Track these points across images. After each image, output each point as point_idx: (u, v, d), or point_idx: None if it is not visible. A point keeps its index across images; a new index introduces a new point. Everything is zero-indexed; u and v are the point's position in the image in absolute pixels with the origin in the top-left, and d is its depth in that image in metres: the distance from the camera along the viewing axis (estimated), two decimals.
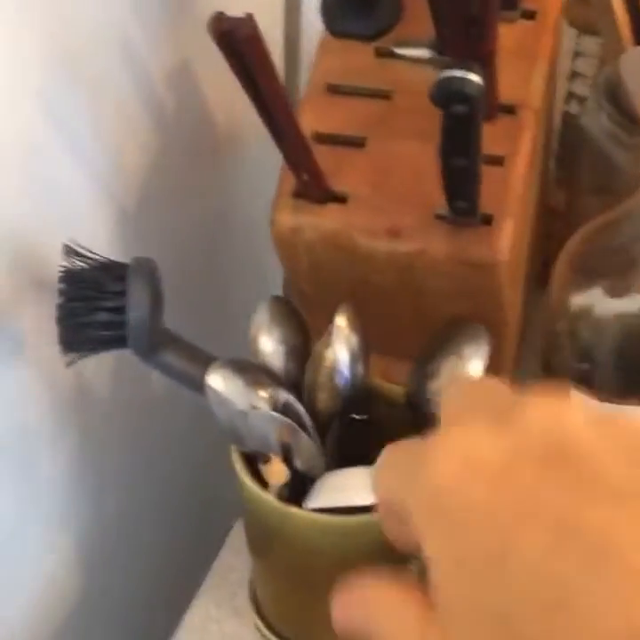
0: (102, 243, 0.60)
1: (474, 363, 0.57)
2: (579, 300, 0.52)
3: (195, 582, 0.68)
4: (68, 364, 0.55)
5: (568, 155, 0.76)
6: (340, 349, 0.57)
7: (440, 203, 0.56)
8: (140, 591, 0.74)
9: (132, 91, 0.65)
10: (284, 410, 0.56)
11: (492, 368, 0.58)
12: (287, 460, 0.56)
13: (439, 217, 0.57)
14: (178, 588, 0.69)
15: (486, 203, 0.57)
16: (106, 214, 0.63)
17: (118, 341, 0.54)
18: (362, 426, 0.59)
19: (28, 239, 0.58)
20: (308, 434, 0.56)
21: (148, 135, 0.67)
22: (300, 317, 0.60)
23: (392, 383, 0.60)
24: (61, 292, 0.53)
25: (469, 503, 0.28)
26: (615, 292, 0.51)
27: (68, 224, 0.59)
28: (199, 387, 0.55)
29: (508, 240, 0.56)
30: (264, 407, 0.55)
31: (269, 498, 0.56)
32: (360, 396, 0.58)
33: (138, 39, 0.64)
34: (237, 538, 0.67)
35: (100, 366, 0.65)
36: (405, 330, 0.63)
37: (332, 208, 0.59)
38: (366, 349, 0.58)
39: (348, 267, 0.60)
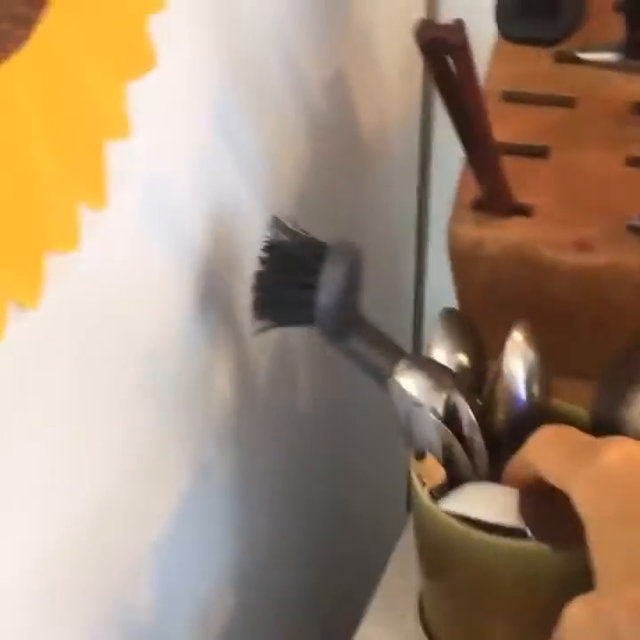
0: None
1: None
2: None
3: (358, 605, 0.66)
4: (256, 333, 0.55)
5: None
6: (516, 366, 0.54)
7: (631, 213, 0.54)
8: (298, 616, 0.72)
9: (290, 98, 0.64)
10: (455, 415, 0.54)
11: None
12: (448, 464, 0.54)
13: (632, 228, 0.54)
14: (339, 612, 0.67)
15: None
16: (259, 215, 0.62)
17: (307, 319, 0.54)
18: None
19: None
20: (466, 445, 0.54)
21: (303, 142, 0.66)
22: (476, 332, 0.58)
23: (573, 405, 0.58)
24: (262, 261, 0.54)
25: (633, 482, 0.40)
26: None
27: (225, 224, 0.59)
28: (383, 378, 0.54)
29: None
30: (438, 409, 0.53)
31: (448, 518, 0.53)
32: (535, 416, 0.55)
33: (296, 48, 0.64)
34: (402, 557, 0.65)
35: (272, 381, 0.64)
36: (584, 348, 0.61)
37: (517, 221, 0.56)
38: (546, 369, 0.55)
39: (530, 282, 0.57)
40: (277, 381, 0.69)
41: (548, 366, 0.55)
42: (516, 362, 0.55)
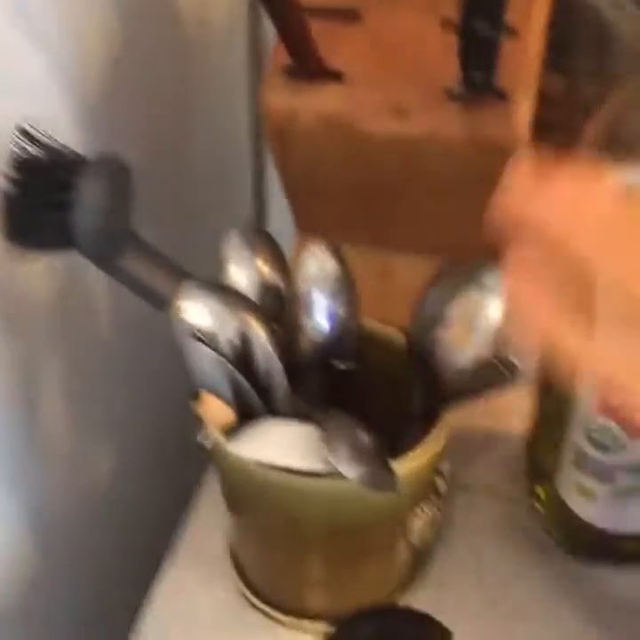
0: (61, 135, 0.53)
1: (491, 293, 0.48)
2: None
3: (166, 545, 0.59)
4: (14, 259, 0.47)
5: (564, 35, 0.72)
6: (316, 283, 0.49)
7: (449, 78, 0.51)
8: (105, 558, 0.67)
9: None
10: (248, 346, 0.47)
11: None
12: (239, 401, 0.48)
13: (449, 93, 0.52)
14: (148, 554, 0.59)
15: (499, 77, 0.52)
16: (66, 103, 0.54)
17: (67, 241, 0.46)
18: (349, 375, 0.51)
19: None
20: (259, 379, 0.48)
21: (112, 21, 0.61)
22: (278, 248, 0.52)
23: (389, 326, 0.53)
24: (10, 179, 0.46)
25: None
26: None
27: (22, 111, 0.52)
28: (162, 304, 0.47)
29: (524, 115, 0.52)
30: (226, 340, 0.47)
31: (246, 460, 0.46)
32: (343, 338, 0.50)
33: None
34: (212, 495, 0.58)
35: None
36: (409, 222, 0.59)
37: (330, 88, 0.52)
38: (351, 285, 0.50)
39: (349, 154, 0.53)
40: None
41: (353, 282, 0.50)
42: (316, 279, 0.49)
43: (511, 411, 0.64)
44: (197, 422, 0.46)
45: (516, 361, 0.44)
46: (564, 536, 0.57)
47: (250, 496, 0.50)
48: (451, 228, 0.57)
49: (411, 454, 0.47)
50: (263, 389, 0.48)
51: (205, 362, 0.46)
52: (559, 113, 0.63)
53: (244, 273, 0.51)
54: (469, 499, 0.60)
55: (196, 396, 0.44)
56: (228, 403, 0.46)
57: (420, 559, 0.56)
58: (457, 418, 0.65)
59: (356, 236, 0.59)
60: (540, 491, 0.58)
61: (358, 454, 0.44)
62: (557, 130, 0.55)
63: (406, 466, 0.46)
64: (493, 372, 0.45)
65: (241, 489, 0.50)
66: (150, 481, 0.70)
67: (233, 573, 0.56)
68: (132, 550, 0.65)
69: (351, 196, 0.56)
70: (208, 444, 0.46)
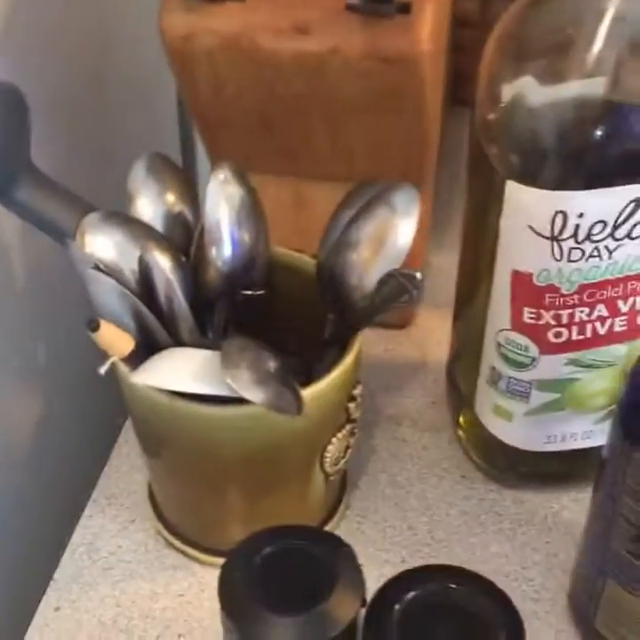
0: None
1: (405, 215, 0.47)
2: (510, 89, 0.47)
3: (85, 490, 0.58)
4: None
5: None
6: (220, 211, 0.47)
7: None
8: (27, 505, 0.65)
9: None
10: (150, 275, 0.46)
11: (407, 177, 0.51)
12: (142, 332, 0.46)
13: (350, 7, 0.50)
14: (70, 501, 0.59)
15: None
16: None
17: None
18: (260, 303, 0.50)
19: None
20: (163, 309, 0.46)
21: None
22: (186, 178, 0.51)
23: (298, 251, 0.52)
24: None
25: None
26: (548, 79, 0.46)
27: None
28: (62, 236, 0.46)
29: (429, 28, 0.50)
30: (128, 269, 0.45)
31: (150, 390, 0.45)
32: (249, 267, 0.48)
33: None
34: (131, 439, 0.57)
35: None
36: (320, 149, 0.57)
37: (229, 6, 0.49)
38: (257, 211, 0.48)
39: (254, 77, 0.52)
40: None
41: (261, 208, 0.48)
42: (220, 207, 0.47)
43: (435, 342, 0.63)
44: (101, 353, 0.45)
45: (416, 273, 0.43)
46: (484, 460, 0.56)
47: (159, 429, 0.48)
48: (362, 154, 0.56)
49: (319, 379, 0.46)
50: (168, 322, 0.47)
51: (108, 294, 0.45)
52: (473, 34, 0.62)
53: (151, 206, 0.50)
54: (393, 429, 0.60)
55: (95, 325, 0.43)
56: (131, 335, 0.45)
57: (341, 489, 0.55)
58: (381, 349, 0.65)
59: (269, 166, 0.58)
60: (460, 418, 0.57)
61: (261, 377, 0.43)
62: (471, 51, 0.54)
63: (314, 390, 0.45)
64: (396, 287, 0.44)
65: (150, 423, 0.49)
66: (76, 430, 0.69)
67: (151, 515, 0.55)
68: (56, 497, 0.64)
69: (259, 122, 0.55)
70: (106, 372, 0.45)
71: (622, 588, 0.44)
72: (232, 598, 0.36)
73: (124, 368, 0.45)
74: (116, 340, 0.44)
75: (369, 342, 0.64)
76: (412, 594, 0.36)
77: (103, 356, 0.44)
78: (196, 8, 0.50)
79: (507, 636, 0.34)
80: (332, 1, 0.49)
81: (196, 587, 0.52)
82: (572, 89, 0.44)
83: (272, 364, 0.44)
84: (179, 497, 0.53)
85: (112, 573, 0.53)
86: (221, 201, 0.48)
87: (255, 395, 0.42)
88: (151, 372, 0.43)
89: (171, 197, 0.50)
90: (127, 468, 0.58)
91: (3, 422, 0.62)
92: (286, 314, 0.51)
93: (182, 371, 0.43)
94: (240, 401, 0.43)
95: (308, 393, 0.45)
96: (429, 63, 0.49)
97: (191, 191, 0.51)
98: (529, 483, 0.56)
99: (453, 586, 0.36)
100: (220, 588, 0.36)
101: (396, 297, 0.44)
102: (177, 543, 0.53)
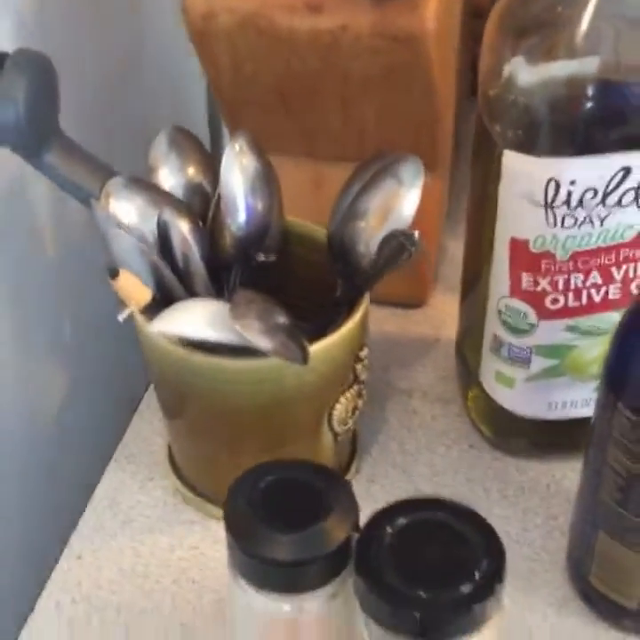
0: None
1: (411, 187, 0.50)
2: (508, 65, 0.49)
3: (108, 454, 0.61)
4: None
5: None
6: (234, 181, 0.50)
7: None
8: (53, 471, 0.69)
9: None
10: (168, 234, 0.49)
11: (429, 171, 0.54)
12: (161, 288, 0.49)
13: None
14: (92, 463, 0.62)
15: None
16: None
17: None
18: (272, 268, 0.52)
19: None
20: (179, 266, 0.50)
21: None
22: (204, 150, 0.54)
23: (311, 222, 0.54)
24: None
25: None
26: (540, 56, 0.48)
27: None
28: (86, 198, 0.49)
29: (433, 9, 0.53)
30: (147, 229, 0.49)
31: (166, 342, 0.48)
32: (262, 233, 0.51)
33: None
34: (153, 405, 0.60)
35: None
36: (335, 128, 0.59)
37: None
38: (271, 182, 0.51)
39: (270, 55, 0.54)
40: None
41: (275, 178, 0.52)
42: (235, 176, 0.50)
43: (448, 321, 0.66)
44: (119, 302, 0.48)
45: (414, 232, 0.46)
46: (490, 431, 0.59)
47: (177, 385, 0.51)
48: (374, 133, 0.59)
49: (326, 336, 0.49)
50: (185, 279, 0.50)
51: (129, 252, 0.48)
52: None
53: (172, 177, 0.53)
54: (404, 401, 0.62)
55: (115, 272, 0.46)
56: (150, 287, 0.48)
57: (351, 454, 0.58)
58: (397, 327, 0.68)
59: (288, 147, 0.61)
60: (469, 390, 0.60)
61: (269, 327, 0.45)
62: None
63: (321, 345, 0.48)
64: (396, 246, 0.47)
65: (168, 379, 0.52)
66: (100, 402, 0.72)
67: (170, 474, 0.58)
68: (80, 464, 0.67)
69: (277, 100, 0.58)
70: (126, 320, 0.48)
71: (612, 538, 0.46)
72: (235, 519, 0.39)
73: (141, 319, 0.48)
74: (135, 289, 0.47)
75: (385, 320, 0.67)
76: (402, 520, 0.38)
77: (122, 305, 0.47)
78: None
79: (488, 557, 0.37)
80: None
81: (210, 539, 0.55)
82: (564, 67, 0.47)
83: (280, 318, 0.47)
84: (195, 454, 0.56)
85: (132, 526, 0.56)
86: (236, 170, 0.51)
87: (263, 342, 0.45)
88: (166, 320, 0.46)
89: (191, 170, 0.53)
90: (148, 433, 0.61)
91: (31, 392, 0.65)
92: (298, 280, 0.54)
93: (196, 319, 0.46)
94: (252, 354, 0.46)
95: (315, 347, 0.48)
96: (435, 42, 0.52)
97: (211, 164, 0.54)
98: (532, 452, 0.58)
99: (441, 513, 0.39)
100: (225, 510, 0.39)
101: (397, 255, 0.47)
102: (193, 497, 0.56)
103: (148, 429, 0.61)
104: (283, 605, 0.40)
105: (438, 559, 0.38)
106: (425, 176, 0.51)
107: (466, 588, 0.37)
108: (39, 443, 0.66)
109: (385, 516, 0.39)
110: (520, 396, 0.54)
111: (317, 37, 0.53)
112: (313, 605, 0.40)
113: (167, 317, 0.47)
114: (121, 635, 0.51)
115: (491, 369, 0.55)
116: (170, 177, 0.53)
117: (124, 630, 0.51)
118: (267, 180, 0.52)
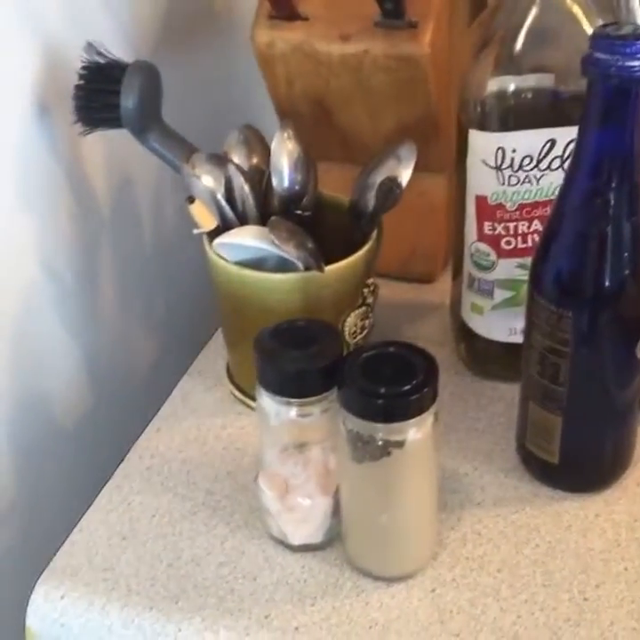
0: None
1: (407, 163, 0.69)
2: (471, 75, 0.69)
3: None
4: (80, 134, 0.71)
5: None
6: (281, 159, 0.70)
7: (377, 14, 0.74)
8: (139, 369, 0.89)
9: None
10: (232, 187, 0.69)
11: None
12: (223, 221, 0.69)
13: (377, 24, 0.74)
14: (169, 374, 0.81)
15: (414, 11, 0.72)
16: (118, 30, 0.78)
17: (115, 120, 0.70)
18: (307, 221, 0.70)
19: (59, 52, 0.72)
20: (237, 209, 0.69)
21: None
22: (266, 144, 0.73)
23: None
24: (80, 76, 0.70)
25: None
26: (488, 69, 0.65)
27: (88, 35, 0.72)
28: (177, 166, 0.70)
29: (429, 38, 0.73)
30: (219, 184, 0.68)
31: (225, 263, 0.67)
32: (298, 199, 0.71)
33: None
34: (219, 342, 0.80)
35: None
36: (366, 137, 0.78)
37: (298, 24, 0.75)
38: (309, 163, 0.71)
39: (315, 73, 0.75)
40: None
41: (312, 160, 0.71)
42: (282, 156, 0.70)
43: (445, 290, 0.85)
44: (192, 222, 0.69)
45: (398, 177, 0.66)
46: (471, 360, 0.77)
47: (231, 297, 0.71)
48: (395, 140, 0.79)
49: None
50: (242, 218, 0.70)
51: (204, 196, 0.69)
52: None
53: (239, 161, 0.74)
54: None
55: (192, 199, 0.67)
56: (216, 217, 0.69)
57: None
58: (410, 296, 0.87)
59: (331, 154, 0.82)
60: (458, 330, 0.78)
61: (297, 243, 0.65)
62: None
63: (336, 265, 0.68)
64: (387, 188, 0.67)
65: (225, 293, 0.71)
66: (183, 358, 0.92)
67: (227, 383, 0.77)
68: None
69: (321, 111, 0.79)
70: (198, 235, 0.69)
71: (537, 405, 0.64)
72: (261, 344, 0.59)
73: (204, 233, 0.69)
74: (205, 215, 0.67)
75: (401, 292, 0.86)
76: (372, 352, 0.58)
77: (196, 226, 0.69)
78: (275, 24, 0.75)
79: (425, 371, 0.56)
80: (364, 19, 0.73)
81: (253, 425, 0.74)
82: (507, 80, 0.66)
83: (306, 241, 0.66)
84: (244, 360, 0.74)
85: (197, 413, 0.75)
86: (283, 150, 0.71)
87: (291, 250, 0.64)
88: (225, 236, 0.67)
89: (255, 159, 0.74)
90: (213, 356, 0.81)
91: (125, 356, 0.87)
92: (327, 234, 0.74)
93: (246, 234, 0.67)
94: (287, 268, 0.66)
95: (330, 267, 0.67)
96: (431, 62, 0.73)
97: (269, 153, 0.74)
98: (501, 375, 0.76)
99: (398, 348, 0.58)
100: (255, 341, 0.59)
101: (387, 195, 0.67)
102: (241, 396, 0.75)
103: (213, 358, 0.81)
104: (290, 411, 0.59)
105: (394, 373, 0.57)
106: (433, 177, 0.71)
107: (410, 386, 0.55)
108: (130, 394, 0.87)
109: (360, 350, 0.58)
110: (488, 323, 0.73)
111: (347, 59, 0.74)
112: (313, 411, 0.59)
113: (226, 235, 0.67)
114: (183, 475, 0.70)
115: (468, 301, 0.73)
116: (237, 161, 0.73)
117: (185, 473, 0.70)
118: (305, 160, 0.72)
